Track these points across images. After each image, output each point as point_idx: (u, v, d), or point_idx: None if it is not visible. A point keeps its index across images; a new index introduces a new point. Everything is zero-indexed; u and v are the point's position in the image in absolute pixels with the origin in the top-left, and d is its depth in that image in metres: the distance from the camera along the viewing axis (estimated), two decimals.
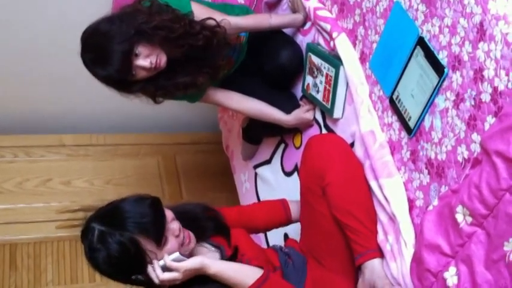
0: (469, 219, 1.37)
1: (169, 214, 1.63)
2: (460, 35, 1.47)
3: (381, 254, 1.73)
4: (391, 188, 1.71)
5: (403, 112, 1.70)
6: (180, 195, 3.07)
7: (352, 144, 1.91)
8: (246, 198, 2.65)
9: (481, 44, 1.40)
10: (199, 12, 2.01)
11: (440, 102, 1.55)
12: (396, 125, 1.76)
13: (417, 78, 1.63)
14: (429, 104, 1.59)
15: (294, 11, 2.26)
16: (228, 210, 1.93)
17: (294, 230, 2.09)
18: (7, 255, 2.68)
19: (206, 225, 1.78)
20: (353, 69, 1.93)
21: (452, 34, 1.50)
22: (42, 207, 2.83)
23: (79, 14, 2.69)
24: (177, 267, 1.57)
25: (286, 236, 2.24)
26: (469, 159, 1.45)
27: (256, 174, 2.58)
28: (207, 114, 3.21)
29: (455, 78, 1.49)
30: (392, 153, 1.77)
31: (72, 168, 3.02)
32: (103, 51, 1.86)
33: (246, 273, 1.64)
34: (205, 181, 3.14)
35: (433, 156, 1.59)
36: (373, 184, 1.77)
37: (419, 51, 1.61)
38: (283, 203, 2.00)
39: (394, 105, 1.75)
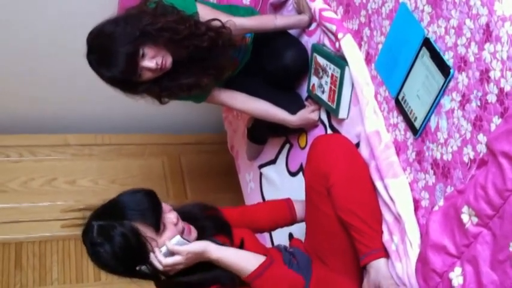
0: (475, 219, 1.38)
1: (166, 206, 1.65)
2: (466, 36, 1.47)
3: (386, 254, 1.73)
4: (397, 188, 1.71)
5: (408, 113, 1.70)
6: (185, 195, 3.08)
7: (357, 145, 1.91)
8: (251, 198, 2.65)
9: (487, 45, 1.40)
10: (205, 13, 2.01)
11: (446, 103, 1.55)
12: (402, 125, 1.76)
13: (423, 79, 1.63)
14: (435, 104, 1.59)
15: (300, 12, 2.26)
16: (232, 210, 1.93)
17: (299, 230, 2.09)
18: (12, 254, 2.69)
19: (206, 225, 1.78)
20: (358, 70, 1.93)
21: (458, 35, 1.50)
22: (47, 206, 2.85)
23: (79, 14, 2.72)
24: (179, 250, 1.58)
25: (291, 235, 2.24)
26: (474, 159, 1.45)
27: (261, 174, 2.58)
28: (211, 115, 3.21)
29: (461, 79, 1.49)
30: (397, 154, 1.77)
31: (77, 167, 3.03)
32: (107, 53, 1.86)
33: (249, 259, 1.65)
34: (210, 181, 3.15)
35: (438, 157, 1.59)
36: (378, 184, 1.77)
37: (425, 52, 1.62)
38: (288, 203, 2.00)
39: (399, 106, 1.75)
